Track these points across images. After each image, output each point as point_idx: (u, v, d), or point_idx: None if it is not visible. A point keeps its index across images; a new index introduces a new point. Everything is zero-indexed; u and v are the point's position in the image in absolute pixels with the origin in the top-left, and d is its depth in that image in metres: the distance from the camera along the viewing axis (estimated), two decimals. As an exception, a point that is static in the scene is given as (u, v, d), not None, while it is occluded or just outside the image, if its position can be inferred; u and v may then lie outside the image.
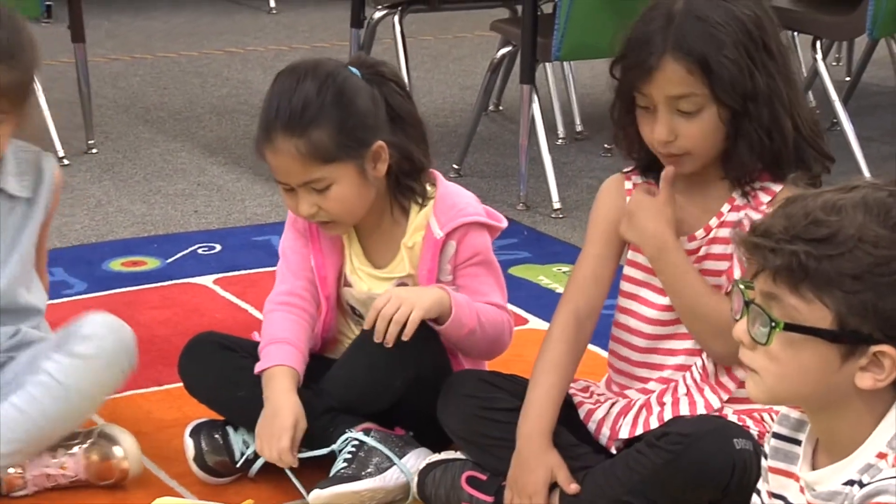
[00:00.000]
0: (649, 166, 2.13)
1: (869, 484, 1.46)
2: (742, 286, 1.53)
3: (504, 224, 2.36)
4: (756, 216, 2.05)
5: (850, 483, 1.50)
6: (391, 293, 2.22)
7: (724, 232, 2.09)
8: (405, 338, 2.19)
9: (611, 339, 2.22)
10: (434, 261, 2.29)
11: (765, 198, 2.08)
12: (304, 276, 2.37)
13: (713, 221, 2.11)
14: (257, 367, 2.30)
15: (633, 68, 2.04)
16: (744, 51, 2.00)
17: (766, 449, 1.65)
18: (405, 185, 2.32)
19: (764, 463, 1.65)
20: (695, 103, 2.02)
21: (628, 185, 2.17)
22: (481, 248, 2.32)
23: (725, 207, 2.10)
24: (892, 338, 1.47)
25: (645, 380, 2.17)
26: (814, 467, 1.58)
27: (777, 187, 2.07)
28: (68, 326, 2.30)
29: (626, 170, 2.18)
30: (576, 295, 2.17)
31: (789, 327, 1.47)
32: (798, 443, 1.61)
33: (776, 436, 1.64)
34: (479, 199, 2.36)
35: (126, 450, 2.29)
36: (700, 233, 2.11)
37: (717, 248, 2.11)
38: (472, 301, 2.28)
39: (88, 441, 2.30)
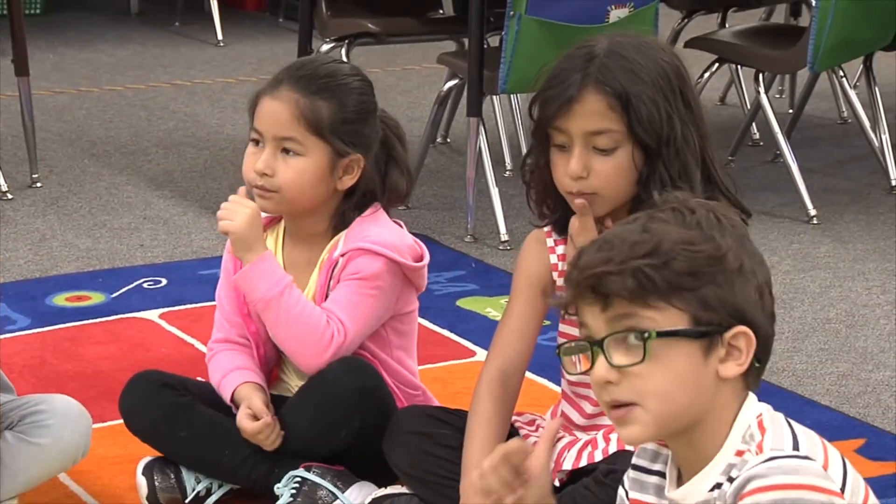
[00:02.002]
0: (562, 223, 2.11)
1: (738, 477, 1.48)
2: (571, 343, 1.56)
3: (418, 265, 2.31)
4: None
5: (718, 486, 1.52)
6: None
7: None
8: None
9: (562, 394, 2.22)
10: (326, 277, 2.31)
11: None
12: (238, 323, 2.39)
13: None
14: (226, 396, 2.31)
15: (553, 101, 2.04)
16: (662, 94, 2.02)
17: (626, 483, 1.65)
18: (348, 215, 2.33)
19: (623, 495, 1.65)
20: (612, 139, 2.03)
21: (550, 241, 2.16)
22: (363, 269, 2.28)
23: None
24: (743, 323, 1.53)
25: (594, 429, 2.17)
26: (679, 487, 1.59)
27: None
28: (29, 406, 2.24)
29: (546, 228, 2.16)
30: (501, 351, 2.17)
31: (662, 334, 1.51)
32: (655, 473, 1.63)
33: (634, 467, 1.65)
34: (415, 242, 2.33)
35: None
36: None
37: None
38: (300, 296, 2.26)
39: None
